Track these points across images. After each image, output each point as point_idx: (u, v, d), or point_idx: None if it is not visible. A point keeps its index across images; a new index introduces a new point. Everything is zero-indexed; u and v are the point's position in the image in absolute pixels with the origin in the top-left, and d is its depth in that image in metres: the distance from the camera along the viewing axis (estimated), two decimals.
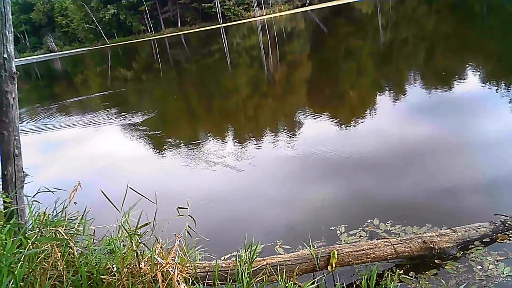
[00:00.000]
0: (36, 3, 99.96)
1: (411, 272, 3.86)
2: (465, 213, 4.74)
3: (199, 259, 3.90)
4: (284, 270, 3.60)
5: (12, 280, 2.57)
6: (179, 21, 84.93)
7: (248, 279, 3.39)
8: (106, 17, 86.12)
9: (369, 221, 4.84)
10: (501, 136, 6.73)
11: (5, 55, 3.55)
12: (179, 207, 3.43)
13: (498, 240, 4.10)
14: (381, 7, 43.77)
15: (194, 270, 3.46)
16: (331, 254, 3.77)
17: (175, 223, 3.56)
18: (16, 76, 3.65)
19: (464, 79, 10.60)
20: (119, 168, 8.88)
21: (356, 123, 8.64)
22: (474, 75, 11.05)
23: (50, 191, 3.68)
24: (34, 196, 3.64)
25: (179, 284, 3.02)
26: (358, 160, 6.74)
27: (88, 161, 9.74)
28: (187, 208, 3.42)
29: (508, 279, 3.55)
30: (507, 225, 4.21)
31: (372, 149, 7.08)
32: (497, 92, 9.03)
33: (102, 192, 3.39)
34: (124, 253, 3.26)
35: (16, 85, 3.67)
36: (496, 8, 25.09)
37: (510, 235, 4.13)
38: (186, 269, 3.37)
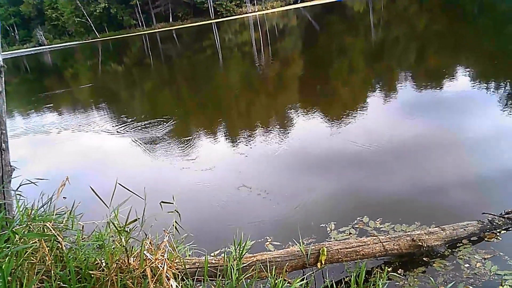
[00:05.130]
0: None
1: (400, 270, 3.89)
2: (454, 211, 4.78)
3: (189, 255, 3.89)
4: (274, 267, 3.60)
5: (0, 275, 2.54)
6: (170, 16, 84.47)
7: (237, 275, 3.38)
8: (97, 10, 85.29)
9: (358, 218, 4.87)
10: (491, 134, 6.81)
11: None
12: (162, 202, 3.40)
13: (485, 239, 4.15)
14: (373, 6, 43.89)
15: (183, 266, 3.45)
16: (320, 251, 3.78)
17: (165, 219, 3.55)
18: (3, 69, 3.58)
19: (457, 76, 10.67)
20: (109, 163, 8.83)
21: (344, 119, 8.67)
22: (466, 72, 11.13)
23: (32, 183, 3.64)
24: (17, 188, 3.59)
25: (168, 279, 3.01)
26: (348, 157, 6.78)
27: (78, 156, 9.66)
28: (172, 203, 3.39)
29: (495, 277, 3.59)
30: (494, 224, 4.26)
31: (362, 146, 7.10)
32: (486, 91, 9.12)
33: (91, 188, 3.36)
34: (113, 248, 3.24)
35: (4, 78, 3.62)
36: (487, 7, 25.28)
37: (498, 233, 4.18)
38: (175, 265, 3.36)
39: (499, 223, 4.28)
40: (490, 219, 4.32)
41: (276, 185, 6.30)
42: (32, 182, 3.67)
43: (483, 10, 24.83)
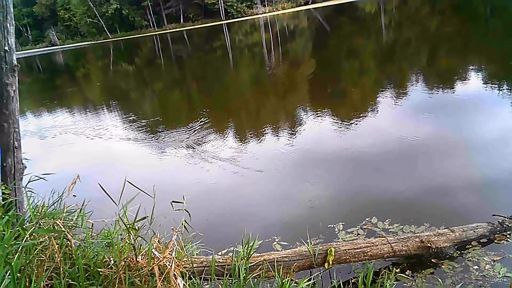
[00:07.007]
0: None
1: (408, 271, 3.87)
2: (464, 213, 4.75)
3: (196, 253, 3.90)
4: (281, 267, 3.61)
5: (9, 271, 2.57)
6: (181, 17, 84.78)
7: (244, 274, 3.39)
8: (109, 11, 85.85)
9: (367, 219, 4.85)
10: (507, 136, 6.74)
11: (6, 48, 3.54)
12: (173, 201, 3.41)
13: (495, 241, 4.11)
14: (385, 7, 43.67)
15: (191, 264, 3.46)
16: (328, 251, 3.78)
17: (173, 217, 3.56)
18: (17, 68, 3.64)
19: (472, 78, 10.57)
20: (119, 162, 8.89)
21: (351, 121, 8.64)
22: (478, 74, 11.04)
23: (41, 178, 3.68)
24: (26, 185, 3.63)
25: (175, 278, 3.02)
26: (358, 157, 6.76)
27: (89, 155, 9.74)
28: (183, 202, 3.41)
29: (504, 280, 3.56)
30: (504, 226, 4.22)
31: (370, 148, 7.08)
32: (498, 92, 9.03)
33: (100, 185, 3.38)
34: (122, 246, 3.26)
35: (17, 77, 3.67)
36: (499, 9, 25.02)
37: (508, 236, 4.14)
38: (183, 263, 3.37)
39: (510, 225, 4.24)
40: (500, 221, 4.28)
41: (284, 184, 6.31)
42: (40, 178, 3.71)
43: (495, 12, 24.57)
